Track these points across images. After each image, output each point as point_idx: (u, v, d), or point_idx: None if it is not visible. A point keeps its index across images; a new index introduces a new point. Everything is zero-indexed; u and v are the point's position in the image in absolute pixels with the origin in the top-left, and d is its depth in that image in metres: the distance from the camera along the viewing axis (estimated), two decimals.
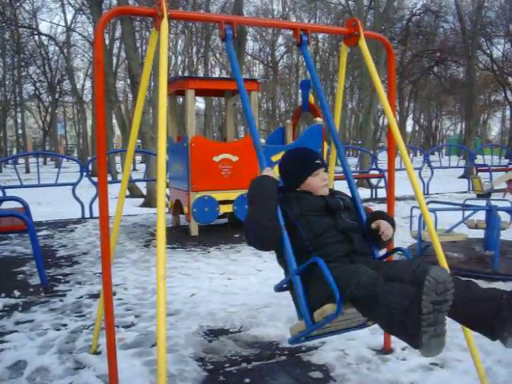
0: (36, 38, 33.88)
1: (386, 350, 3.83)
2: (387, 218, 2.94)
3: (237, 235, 8.49)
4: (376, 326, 3.96)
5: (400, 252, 3.02)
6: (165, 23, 2.72)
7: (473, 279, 5.36)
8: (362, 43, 3.40)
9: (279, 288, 2.82)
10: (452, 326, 4.19)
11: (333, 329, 2.67)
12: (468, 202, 7.31)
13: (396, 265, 2.61)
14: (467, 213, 6.80)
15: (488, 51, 34.06)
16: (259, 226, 2.59)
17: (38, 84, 38.91)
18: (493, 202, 6.54)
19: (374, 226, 2.84)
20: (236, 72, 3.00)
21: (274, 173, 2.74)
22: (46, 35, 33.68)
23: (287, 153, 3.12)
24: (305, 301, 2.53)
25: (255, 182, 2.73)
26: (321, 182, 2.92)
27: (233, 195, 8.52)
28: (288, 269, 2.69)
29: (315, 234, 2.70)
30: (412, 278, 2.36)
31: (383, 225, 2.81)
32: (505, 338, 2.24)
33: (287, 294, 2.86)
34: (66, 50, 32.77)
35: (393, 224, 2.91)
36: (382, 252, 3.05)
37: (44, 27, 48.21)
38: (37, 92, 39.94)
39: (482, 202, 6.80)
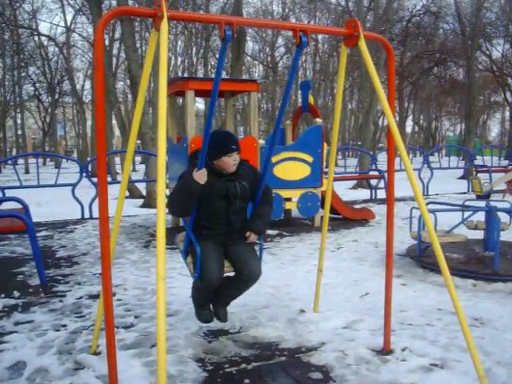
0: (36, 38, 33.88)
1: (385, 351, 3.83)
2: (252, 229, 3.89)
3: None
4: (376, 327, 3.98)
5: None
6: (164, 24, 2.72)
7: (473, 280, 5.38)
8: (362, 44, 3.40)
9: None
10: (451, 328, 4.21)
11: None
12: (467, 203, 7.31)
13: (243, 260, 3.81)
14: (467, 214, 6.79)
15: (487, 52, 34.05)
16: (178, 211, 3.89)
17: (37, 84, 38.93)
18: (492, 203, 6.54)
19: (246, 234, 3.90)
20: (218, 73, 3.16)
21: (202, 176, 3.53)
22: (45, 36, 33.68)
23: (216, 131, 3.95)
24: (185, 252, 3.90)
25: (188, 181, 3.56)
26: (232, 162, 3.73)
27: None
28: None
29: (210, 214, 3.76)
30: (236, 279, 3.87)
31: (250, 238, 3.90)
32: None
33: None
34: (65, 51, 32.78)
35: (259, 231, 3.93)
36: None
37: (44, 28, 48.34)
38: (36, 92, 39.94)
39: (482, 203, 6.81)
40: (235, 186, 3.77)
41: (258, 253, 4.01)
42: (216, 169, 3.75)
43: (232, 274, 3.88)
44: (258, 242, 3.99)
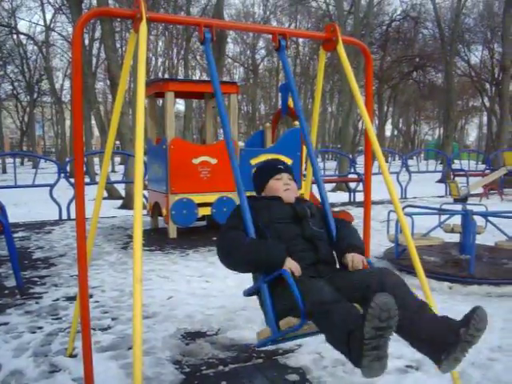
0: (14, 36, 33.57)
1: None
2: (359, 247, 2.93)
3: (215, 238, 8.47)
4: None
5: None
6: (143, 25, 2.72)
7: (449, 283, 5.44)
8: (340, 48, 3.43)
9: (248, 294, 2.91)
10: None
11: (297, 334, 2.72)
12: (445, 207, 7.40)
13: (356, 276, 2.68)
14: (444, 217, 6.87)
15: (466, 58, 34.52)
16: (238, 266, 2.83)
17: (15, 83, 38.53)
18: (469, 207, 6.62)
19: (346, 262, 2.83)
20: (214, 76, 3.04)
21: (295, 268, 2.63)
22: (24, 34, 33.39)
23: (258, 165, 3.37)
24: (271, 308, 2.62)
25: (274, 251, 2.67)
26: (282, 185, 3.07)
27: (211, 198, 8.51)
28: (256, 276, 2.81)
29: (285, 241, 2.78)
30: (364, 295, 2.46)
31: (350, 261, 2.81)
32: (441, 360, 2.33)
33: None
34: (44, 50, 32.48)
35: (362, 249, 2.95)
36: None
37: (23, 26, 47.79)
38: (14, 92, 39.54)
39: (459, 207, 6.88)
40: (303, 207, 3.00)
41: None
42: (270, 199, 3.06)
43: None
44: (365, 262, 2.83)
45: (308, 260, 2.78)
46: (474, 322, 2.26)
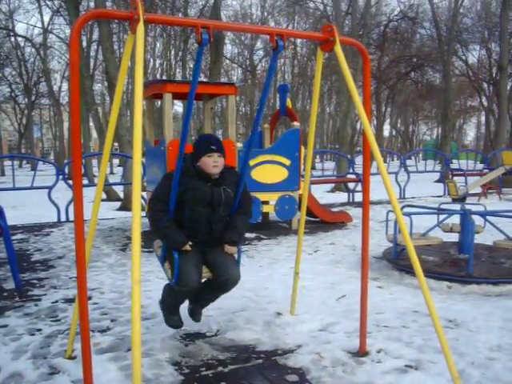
0: (12, 39, 33.55)
1: (361, 353, 3.86)
2: (229, 240, 3.86)
3: None
4: (352, 329, 4.01)
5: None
6: (141, 27, 2.72)
7: (448, 282, 5.46)
8: (338, 49, 3.43)
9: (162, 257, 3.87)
10: (426, 329, 4.26)
11: None
12: (443, 206, 7.40)
13: (221, 263, 3.79)
14: (442, 216, 6.88)
15: (464, 57, 34.54)
16: (157, 233, 3.79)
17: (13, 86, 38.53)
18: (467, 206, 6.63)
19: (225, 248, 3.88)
20: (194, 78, 3.19)
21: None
22: (22, 37, 33.34)
23: (200, 135, 4.08)
24: (163, 258, 3.84)
25: (176, 238, 3.67)
26: (211, 163, 3.68)
27: None
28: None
29: (192, 220, 3.72)
30: (213, 275, 3.81)
31: (227, 251, 3.88)
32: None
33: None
34: (42, 52, 32.45)
35: (234, 240, 3.87)
36: None
37: (20, 28, 47.74)
38: (12, 94, 39.52)
39: (457, 206, 6.89)
40: (220, 193, 3.73)
41: (236, 257, 3.97)
42: (200, 172, 3.72)
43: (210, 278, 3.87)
44: (234, 252, 3.94)
45: (203, 237, 3.78)
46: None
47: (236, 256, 3.97)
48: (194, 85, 3.16)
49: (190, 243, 3.67)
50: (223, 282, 3.78)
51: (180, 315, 4.02)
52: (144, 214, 9.56)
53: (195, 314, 4.12)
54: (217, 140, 3.81)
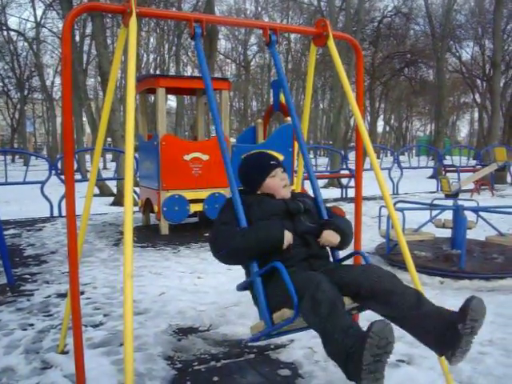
0: (4, 33, 33.33)
1: None
2: (336, 224, 2.96)
3: (207, 234, 8.47)
4: None
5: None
6: (133, 20, 2.71)
7: (440, 277, 5.47)
8: (331, 44, 3.43)
9: (241, 288, 2.90)
10: None
11: (290, 328, 2.72)
12: (436, 202, 7.43)
13: (352, 271, 2.68)
14: (435, 212, 6.90)
15: (457, 54, 34.63)
16: (234, 256, 2.76)
17: (6, 80, 38.30)
18: (460, 202, 6.65)
19: (319, 241, 2.89)
20: (204, 72, 3.04)
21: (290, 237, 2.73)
22: (14, 31, 33.15)
23: (244, 158, 3.17)
24: (265, 302, 2.61)
25: (270, 227, 2.72)
26: (279, 182, 3.00)
27: (203, 194, 8.50)
28: (249, 270, 2.78)
29: None
30: (356, 292, 2.55)
31: (323, 237, 2.88)
32: (449, 357, 2.38)
33: None
34: (35, 46, 32.29)
35: (342, 229, 2.95)
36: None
37: (13, 22, 47.30)
38: (5, 88, 39.29)
39: (450, 202, 6.91)
40: (296, 203, 2.96)
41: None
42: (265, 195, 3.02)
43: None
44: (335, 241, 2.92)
45: (301, 255, 2.78)
46: (469, 315, 2.29)
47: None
48: (207, 78, 3.05)
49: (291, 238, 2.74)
50: (373, 287, 2.55)
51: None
52: (137, 209, 9.60)
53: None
54: (271, 155, 3.18)
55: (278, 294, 2.54)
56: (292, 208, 2.91)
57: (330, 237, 2.87)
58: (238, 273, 2.90)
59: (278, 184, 2.99)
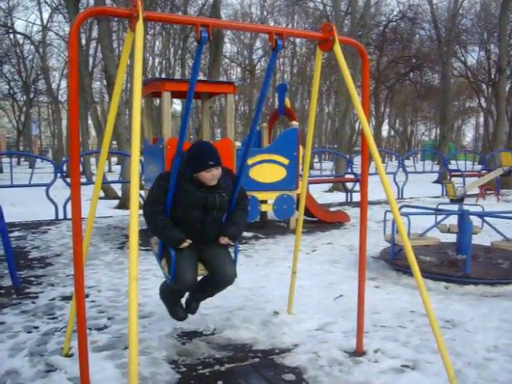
0: (11, 36, 33.42)
1: (358, 353, 3.86)
2: (230, 235, 3.89)
3: None
4: (349, 329, 4.01)
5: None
6: (140, 24, 2.71)
7: (445, 283, 5.46)
8: (337, 48, 3.43)
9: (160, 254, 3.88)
10: (423, 329, 4.26)
11: None
12: (441, 207, 7.41)
13: (217, 261, 3.86)
14: (440, 217, 6.88)
15: (463, 58, 34.54)
16: (155, 232, 3.86)
17: (12, 83, 38.39)
18: (465, 207, 6.63)
19: (220, 239, 3.89)
20: (193, 77, 3.23)
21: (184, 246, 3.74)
22: (21, 34, 33.27)
23: (196, 145, 3.83)
24: (160, 255, 3.86)
25: (172, 235, 3.70)
26: (210, 177, 3.67)
27: None
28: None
29: (185, 222, 3.73)
30: (209, 273, 3.90)
31: (221, 240, 3.89)
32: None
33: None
34: (41, 50, 32.40)
35: (234, 236, 3.93)
36: None
37: (19, 26, 47.51)
38: (11, 91, 39.38)
39: (455, 207, 6.89)
40: (214, 198, 3.74)
41: (232, 255, 4.00)
42: (196, 180, 3.71)
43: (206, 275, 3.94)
44: (232, 243, 3.99)
45: (197, 236, 3.77)
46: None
47: (233, 255, 4.01)
48: (193, 84, 3.16)
49: (189, 241, 3.70)
50: (219, 280, 3.85)
51: (183, 307, 4.09)
52: (141, 212, 9.60)
53: (190, 307, 4.14)
54: (214, 152, 3.72)
55: (168, 259, 3.71)
56: (209, 205, 3.72)
57: (224, 240, 3.89)
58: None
59: (208, 178, 3.67)
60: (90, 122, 25.55)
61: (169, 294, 3.99)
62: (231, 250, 4.06)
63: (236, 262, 4.00)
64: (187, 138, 36.94)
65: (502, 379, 3.43)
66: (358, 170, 14.94)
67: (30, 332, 4.30)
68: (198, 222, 3.76)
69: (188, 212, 3.72)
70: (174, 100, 30.13)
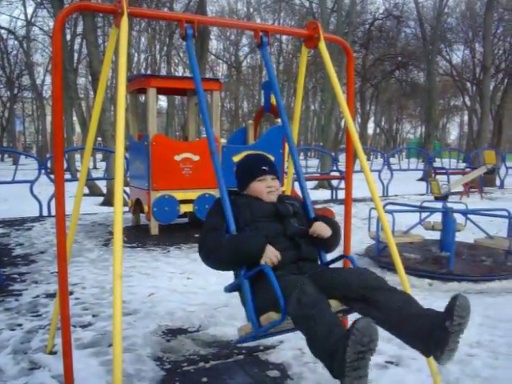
0: None
1: None
2: (326, 219, 3.02)
3: (197, 235, 8.45)
4: None
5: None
6: (124, 21, 2.70)
7: (429, 279, 5.49)
8: (322, 46, 3.44)
9: (229, 289, 2.86)
10: None
11: (277, 330, 2.70)
12: (425, 204, 7.45)
13: (341, 272, 2.73)
14: (424, 214, 6.93)
15: (448, 57, 34.78)
16: (221, 265, 2.82)
17: None
18: (449, 205, 6.68)
19: (310, 231, 2.91)
20: (195, 73, 3.06)
21: (273, 256, 2.68)
22: (5, 29, 32.88)
23: (243, 157, 3.26)
24: (252, 304, 2.61)
25: (251, 241, 2.70)
26: (264, 188, 3.00)
27: (193, 195, 8.49)
28: (237, 272, 2.80)
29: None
30: (345, 294, 2.58)
31: (315, 227, 2.90)
32: (438, 356, 2.35)
33: None
34: (25, 45, 32.11)
35: (332, 224, 3.00)
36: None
37: (3, 21, 47.01)
38: None
39: (439, 205, 6.94)
40: (285, 206, 2.98)
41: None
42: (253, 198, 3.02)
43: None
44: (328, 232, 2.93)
45: (290, 258, 2.78)
46: (456, 311, 2.28)
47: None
48: (198, 79, 3.07)
49: (279, 256, 2.70)
50: (360, 286, 2.58)
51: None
52: (127, 209, 9.56)
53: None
54: (268, 159, 3.18)
55: (265, 297, 2.55)
56: (281, 211, 2.92)
57: (322, 227, 2.90)
58: (227, 274, 2.90)
59: (262, 188, 3.00)
60: (74, 118, 25.41)
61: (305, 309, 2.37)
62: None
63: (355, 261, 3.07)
64: (173, 135, 36.85)
65: (484, 375, 3.47)
66: (343, 167, 15.00)
67: (13, 330, 4.27)
68: (280, 233, 2.85)
69: (260, 225, 2.83)
70: (160, 96, 30.05)
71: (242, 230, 2.80)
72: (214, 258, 2.76)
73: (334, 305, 2.57)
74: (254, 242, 2.68)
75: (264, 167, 3.05)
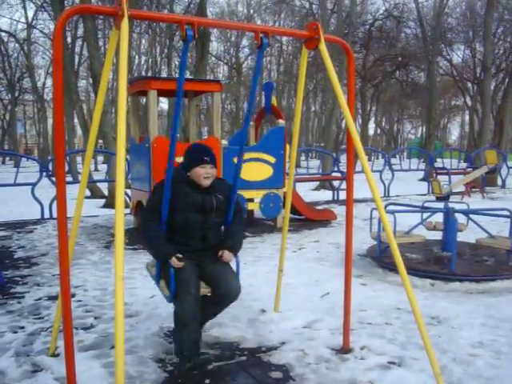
0: None
1: (344, 350, 3.88)
2: (231, 248, 3.79)
3: None
4: (336, 326, 4.01)
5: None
6: (125, 23, 2.71)
7: (431, 280, 5.49)
8: (322, 47, 3.44)
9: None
10: (409, 326, 4.28)
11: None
12: (427, 205, 7.44)
13: (220, 275, 3.69)
14: (426, 215, 6.92)
15: (448, 57, 34.75)
16: (144, 241, 3.75)
17: None
18: (451, 205, 6.68)
19: (219, 254, 3.76)
20: (181, 75, 3.23)
21: (177, 265, 3.52)
22: (5, 32, 32.91)
23: (192, 144, 3.99)
24: (159, 272, 3.68)
25: (163, 250, 3.59)
26: (203, 173, 3.66)
27: None
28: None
29: (184, 227, 3.66)
30: (213, 290, 3.68)
31: (224, 256, 3.75)
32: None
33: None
34: (26, 48, 32.14)
35: (236, 249, 3.84)
36: None
37: (4, 23, 47.10)
38: None
39: (441, 205, 6.94)
40: (211, 199, 3.71)
41: (234, 269, 3.84)
42: (191, 181, 3.70)
43: (209, 293, 3.73)
44: (232, 257, 3.81)
45: (197, 246, 3.70)
46: None
47: (235, 268, 3.84)
48: (181, 82, 3.15)
49: (180, 255, 3.51)
50: (223, 294, 3.65)
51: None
52: (128, 211, 9.57)
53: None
54: (210, 151, 3.76)
55: (167, 279, 3.53)
56: (206, 206, 3.69)
57: (228, 258, 3.76)
58: None
59: (201, 173, 3.65)
60: (75, 120, 25.42)
61: (182, 319, 3.52)
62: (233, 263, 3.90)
63: (239, 275, 3.82)
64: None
65: (486, 375, 3.47)
66: (344, 168, 14.96)
67: (15, 332, 4.27)
68: (197, 226, 3.67)
69: (187, 215, 3.63)
70: (161, 99, 30.02)
71: (172, 215, 3.61)
72: (142, 237, 3.76)
73: (203, 287, 3.64)
74: (163, 254, 3.56)
75: (206, 157, 3.68)
